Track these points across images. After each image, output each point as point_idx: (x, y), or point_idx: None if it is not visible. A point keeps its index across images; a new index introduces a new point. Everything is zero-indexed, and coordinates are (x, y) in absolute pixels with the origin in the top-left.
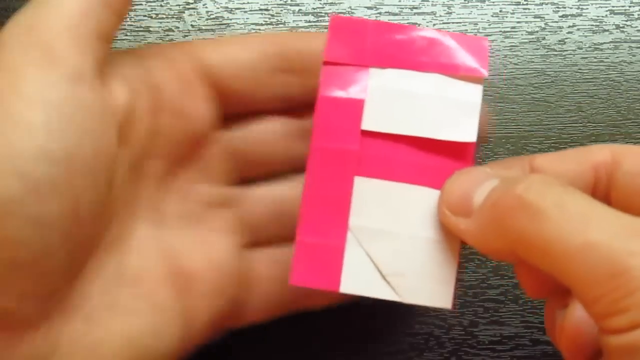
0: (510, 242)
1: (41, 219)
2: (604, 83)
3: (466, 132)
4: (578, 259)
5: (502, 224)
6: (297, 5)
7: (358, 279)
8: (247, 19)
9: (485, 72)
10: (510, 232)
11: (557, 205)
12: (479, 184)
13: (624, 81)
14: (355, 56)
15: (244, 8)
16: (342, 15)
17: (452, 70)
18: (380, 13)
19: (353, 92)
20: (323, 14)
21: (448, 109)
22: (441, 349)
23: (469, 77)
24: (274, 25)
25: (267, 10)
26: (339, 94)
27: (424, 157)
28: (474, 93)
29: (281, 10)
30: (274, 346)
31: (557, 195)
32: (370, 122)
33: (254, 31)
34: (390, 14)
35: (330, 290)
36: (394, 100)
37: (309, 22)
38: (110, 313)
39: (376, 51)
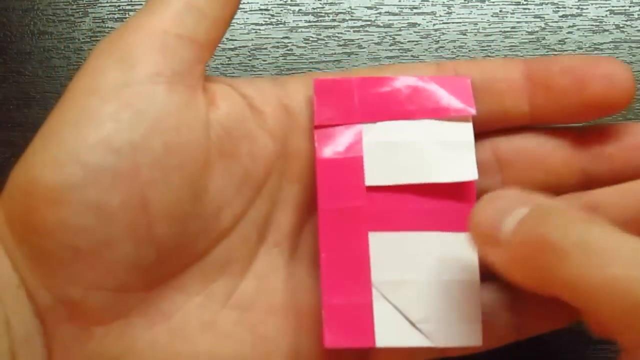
0: (537, 281)
1: (102, 207)
2: None
3: (467, 171)
4: (601, 296)
5: (527, 263)
6: (297, 5)
7: (391, 331)
8: (247, 18)
9: (473, 110)
10: (536, 272)
11: (579, 244)
12: (507, 212)
13: None
14: (345, 115)
15: (244, 8)
16: (324, 78)
17: (441, 114)
18: (380, 13)
19: (350, 151)
20: (323, 14)
21: (444, 152)
22: None
23: (458, 117)
24: (274, 25)
25: (267, 10)
26: (337, 154)
27: (430, 203)
28: (465, 132)
29: (281, 10)
30: None
31: (580, 233)
32: (372, 177)
33: (253, 31)
34: (390, 13)
35: (366, 347)
36: (391, 152)
37: (309, 22)
38: (203, 333)
39: (365, 107)
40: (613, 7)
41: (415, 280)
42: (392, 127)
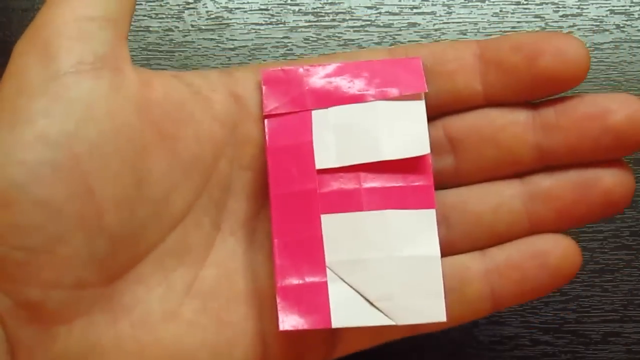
0: None
1: (48, 202)
2: (604, 83)
3: (418, 146)
4: None
5: None
6: (297, 5)
7: (347, 311)
8: (247, 18)
9: (424, 88)
10: None
11: None
12: None
13: (625, 81)
14: (295, 103)
15: (243, 8)
16: (272, 68)
17: (392, 95)
18: (380, 13)
19: (300, 137)
20: (323, 14)
21: (396, 130)
22: (441, 349)
23: (410, 97)
24: (274, 25)
25: (267, 10)
26: (287, 141)
27: (384, 182)
28: (417, 109)
29: (281, 10)
30: None
31: None
32: (322, 160)
33: (253, 31)
34: (390, 13)
35: (322, 328)
36: (342, 135)
37: (309, 21)
38: (167, 323)
39: (315, 94)
40: (613, 6)
41: (371, 259)
42: (343, 110)
